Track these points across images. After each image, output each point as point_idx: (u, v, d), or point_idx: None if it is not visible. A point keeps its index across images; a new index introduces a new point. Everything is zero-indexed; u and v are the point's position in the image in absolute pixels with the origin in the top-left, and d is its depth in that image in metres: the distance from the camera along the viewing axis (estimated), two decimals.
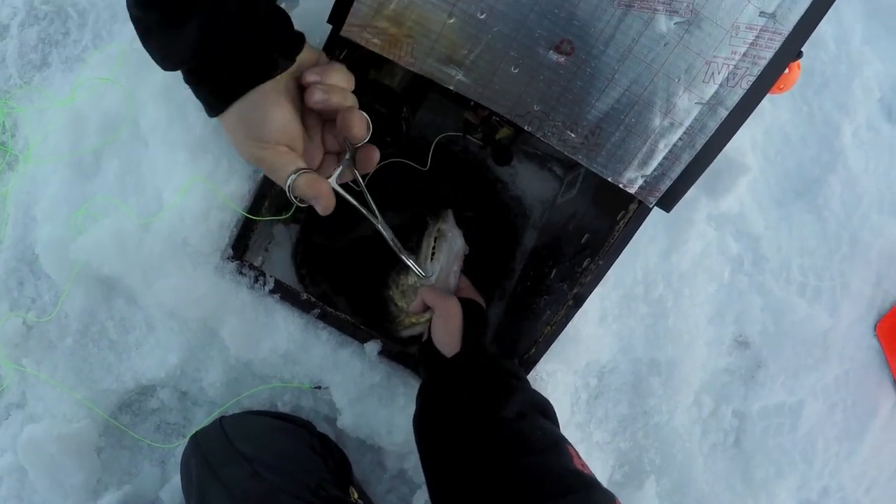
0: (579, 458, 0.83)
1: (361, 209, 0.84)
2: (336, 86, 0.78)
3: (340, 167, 0.82)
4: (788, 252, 1.44)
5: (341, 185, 0.82)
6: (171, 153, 1.01)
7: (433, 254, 1.03)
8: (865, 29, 1.53)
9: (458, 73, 0.81)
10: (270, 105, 0.75)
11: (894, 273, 1.51)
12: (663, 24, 0.74)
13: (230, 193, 0.98)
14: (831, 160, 1.46)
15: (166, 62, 0.74)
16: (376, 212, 0.86)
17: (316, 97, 0.76)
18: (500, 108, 0.83)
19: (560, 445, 0.83)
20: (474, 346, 0.96)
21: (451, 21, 0.76)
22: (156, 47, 0.73)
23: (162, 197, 1.03)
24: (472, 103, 0.84)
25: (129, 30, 1.14)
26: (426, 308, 1.04)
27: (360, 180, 0.83)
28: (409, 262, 0.96)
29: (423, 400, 0.95)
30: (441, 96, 1.11)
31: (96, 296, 1.11)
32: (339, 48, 0.84)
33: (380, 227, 0.87)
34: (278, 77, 0.75)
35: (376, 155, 0.83)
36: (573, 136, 0.83)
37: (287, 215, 1.01)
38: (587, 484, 0.77)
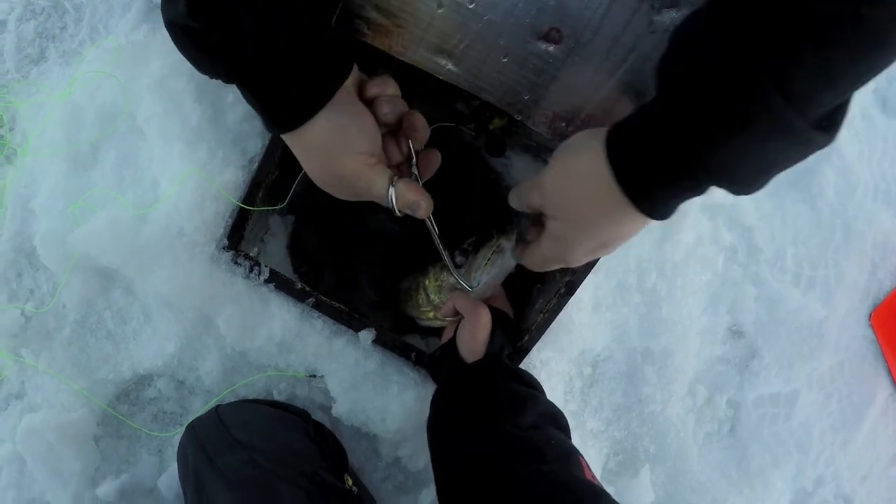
0: (590, 470, 0.84)
1: (428, 224, 0.86)
2: (395, 95, 0.78)
3: (414, 172, 0.82)
4: (782, 242, 1.44)
5: None
6: (167, 144, 1.02)
7: (487, 263, 1.03)
8: None
9: (449, 63, 0.81)
10: (361, 110, 0.73)
11: (889, 262, 1.52)
12: (651, 12, 0.75)
13: (225, 183, 0.99)
14: (825, 150, 1.45)
15: (230, 68, 0.66)
16: (434, 225, 0.87)
17: (385, 109, 0.76)
18: (491, 97, 0.84)
19: (572, 457, 0.84)
20: (495, 357, 0.96)
21: (441, 11, 0.77)
22: (218, 54, 0.65)
23: (158, 188, 1.04)
24: (463, 93, 0.85)
25: (124, 23, 1.16)
26: (456, 313, 1.03)
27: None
28: (457, 277, 0.97)
29: (438, 406, 0.96)
30: (434, 86, 1.12)
31: (94, 286, 1.12)
32: None
33: (436, 241, 0.89)
34: (348, 86, 0.72)
35: (437, 157, 0.84)
36: (563, 124, 0.84)
37: (282, 205, 1.02)
38: (597, 494, 0.78)
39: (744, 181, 0.63)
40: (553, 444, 0.85)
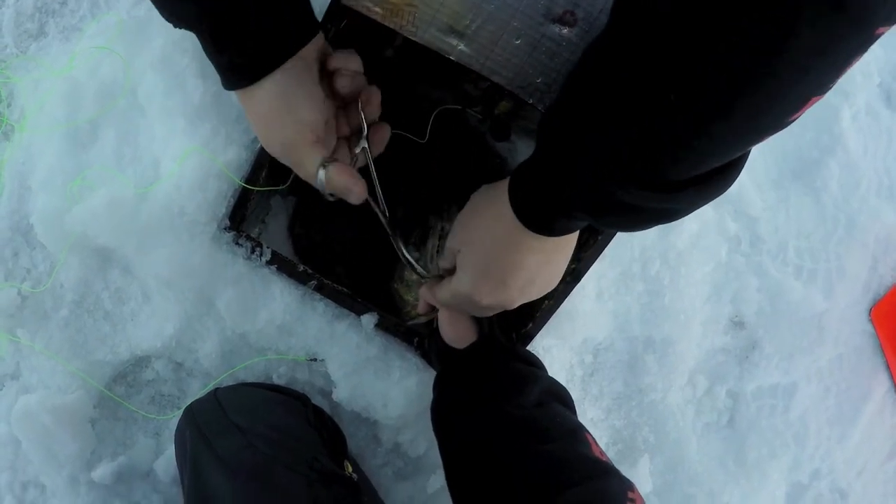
0: (597, 445, 0.83)
1: (372, 204, 0.82)
2: (357, 71, 0.77)
3: (360, 147, 0.79)
4: (785, 233, 1.44)
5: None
6: (168, 122, 1.01)
7: (438, 252, 1.01)
8: None
9: (460, 44, 0.80)
10: (312, 82, 0.72)
11: (890, 258, 1.52)
12: None
13: (228, 162, 0.98)
14: (830, 143, 1.46)
15: (193, 16, 0.67)
16: (385, 209, 0.83)
17: (343, 82, 0.75)
18: (502, 80, 0.82)
19: (578, 433, 0.83)
20: (488, 337, 0.94)
21: None
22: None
23: (159, 166, 1.02)
24: (472, 75, 0.84)
25: None
26: (432, 308, 1.01)
27: (374, 175, 0.81)
28: (413, 264, 0.95)
29: (439, 391, 0.95)
30: (443, 68, 1.10)
31: (92, 266, 1.10)
32: (339, 18, 0.83)
33: (385, 224, 0.85)
34: (307, 56, 0.72)
35: (387, 131, 0.82)
36: None
37: (284, 186, 1.00)
38: (605, 470, 0.77)
39: (625, 227, 0.74)
40: (558, 422, 0.84)
